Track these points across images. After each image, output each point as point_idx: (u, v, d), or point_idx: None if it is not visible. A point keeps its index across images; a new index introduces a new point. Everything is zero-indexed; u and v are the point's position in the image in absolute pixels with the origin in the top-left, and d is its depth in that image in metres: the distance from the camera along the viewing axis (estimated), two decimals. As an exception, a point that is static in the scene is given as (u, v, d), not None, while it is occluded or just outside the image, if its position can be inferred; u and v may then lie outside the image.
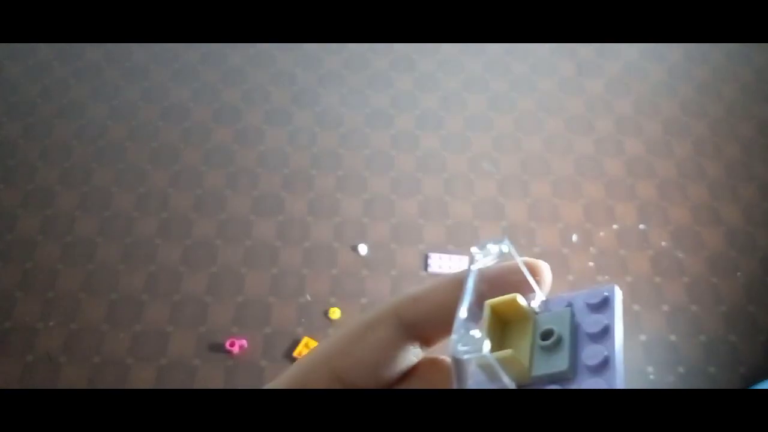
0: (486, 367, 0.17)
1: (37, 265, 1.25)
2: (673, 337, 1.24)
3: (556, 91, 1.63)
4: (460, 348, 0.17)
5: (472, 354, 0.16)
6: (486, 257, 0.20)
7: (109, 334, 1.17)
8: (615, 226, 1.39)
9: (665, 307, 1.28)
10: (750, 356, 1.23)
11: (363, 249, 1.29)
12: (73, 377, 1.12)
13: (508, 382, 0.18)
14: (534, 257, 0.22)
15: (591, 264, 1.33)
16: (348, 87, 1.59)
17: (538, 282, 0.21)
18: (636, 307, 1.27)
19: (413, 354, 0.22)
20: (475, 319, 0.19)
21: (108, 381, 1.12)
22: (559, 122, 1.56)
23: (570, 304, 0.20)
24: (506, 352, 0.18)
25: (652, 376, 1.20)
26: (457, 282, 0.21)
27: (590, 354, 0.18)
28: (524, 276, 0.20)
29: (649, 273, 1.32)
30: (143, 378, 1.13)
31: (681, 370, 1.21)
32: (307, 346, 1.14)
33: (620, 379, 0.17)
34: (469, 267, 0.20)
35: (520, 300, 0.19)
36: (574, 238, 1.36)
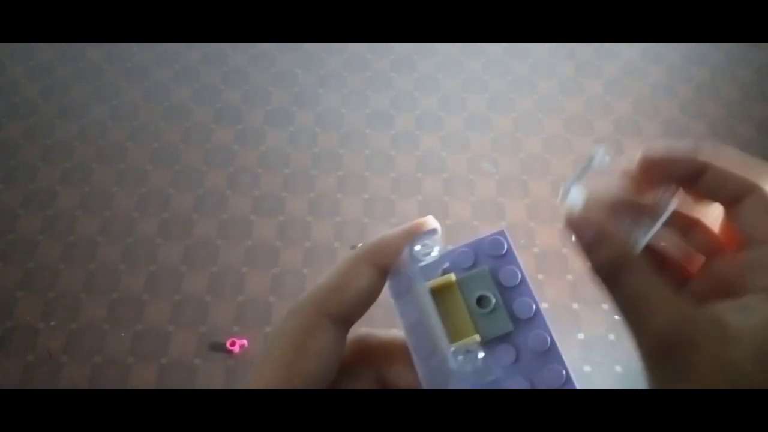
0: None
1: (39, 264, 1.25)
2: (671, 337, 1.25)
3: (555, 91, 1.63)
4: (467, 369, 0.20)
5: (476, 374, 0.20)
6: (429, 252, 0.22)
7: (110, 333, 1.18)
8: (614, 226, 1.39)
9: (664, 307, 1.29)
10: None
11: (363, 249, 1.30)
12: (74, 376, 1.12)
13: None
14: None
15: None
16: (348, 88, 1.59)
17: (435, 235, 0.23)
18: (635, 307, 1.28)
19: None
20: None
21: (109, 380, 1.12)
22: (558, 123, 1.57)
23: (477, 260, 0.22)
24: (472, 340, 0.20)
25: (651, 376, 1.20)
26: (366, 261, 0.22)
27: (521, 308, 0.21)
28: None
29: (648, 273, 1.33)
30: (144, 377, 1.13)
31: (680, 369, 1.21)
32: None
33: (549, 323, 0.21)
34: (413, 266, 0.21)
35: (453, 279, 0.21)
36: (574, 237, 1.37)
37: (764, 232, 0.21)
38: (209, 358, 1.16)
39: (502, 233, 0.22)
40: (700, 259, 0.25)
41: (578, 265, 1.33)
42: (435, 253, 0.22)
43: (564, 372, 0.20)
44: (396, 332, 0.24)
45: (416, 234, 0.23)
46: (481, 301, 0.21)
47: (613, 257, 0.22)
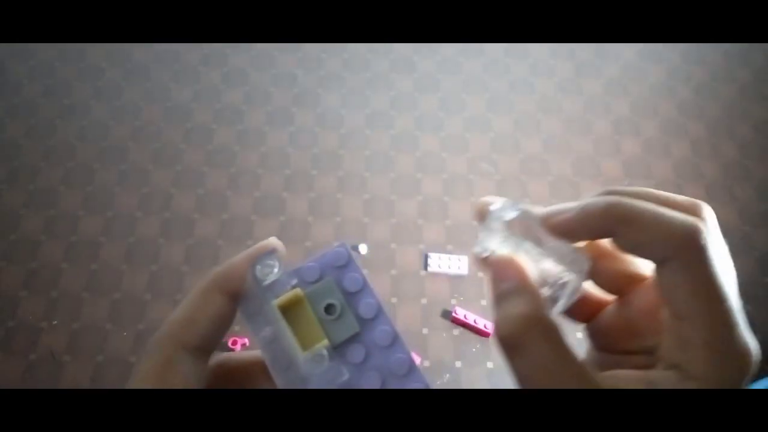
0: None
1: (41, 264, 1.26)
2: (670, 336, 1.25)
3: (554, 92, 1.64)
4: (321, 374, 0.22)
5: (326, 377, 0.22)
6: (271, 271, 0.23)
7: (112, 332, 1.18)
8: (613, 226, 1.40)
9: (662, 306, 1.29)
10: (746, 355, 1.24)
11: (363, 249, 1.31)
12: (76, 376, 1.13)
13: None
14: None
15: (589, 263, 1.34)
16: (348, 88, 1.60)
17: (280, 257, 0.24)
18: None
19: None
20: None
21: (111, 379, 1.13)
22: (557, 123, 1.57)
23: (322, 273, 0.24)
24: (322, 345, 0.22)
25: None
26: (215, 289, 0.23)
27: (365, 309, 0.23)
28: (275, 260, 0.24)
29: (646, 272, 1.34)
30: (146, 376, 1.14)
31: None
32: (308, 345, 1.15)
33: (390, 318, 0.23)
34: (257, 286, 0.23)
35: (300, 293, 0.23)
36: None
37: (681, 307, 0.20)
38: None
39: (342, 245, 0.24)
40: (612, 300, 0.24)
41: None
42: (276, 270, 0.23)
43: (407, 359, 0.22)
44: (254, 353, 0.25)
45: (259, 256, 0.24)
46: (328, 309, 0.23)
47: (525, 317, 0.20)
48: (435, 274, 1.28)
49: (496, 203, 0.23)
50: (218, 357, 0.25)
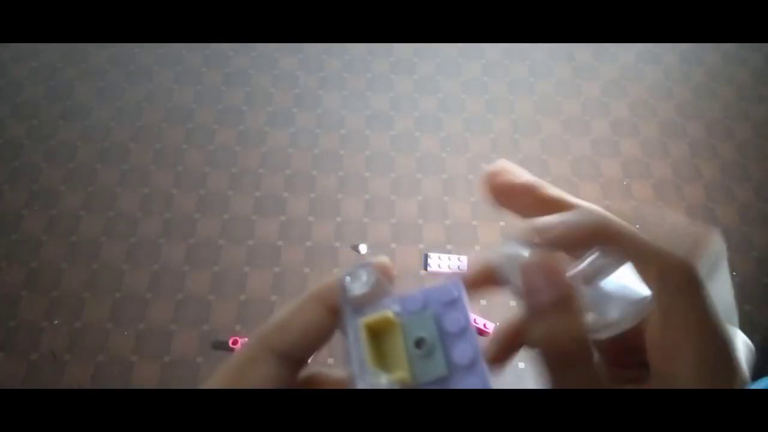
0: None
1: (42, 264, 1.26)
2: (668, 336, 1.26)
3: (553, 93, 1.64)
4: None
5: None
6: (358, 282, 0.21)
7: (113, 332, 1.19)
8: (612, 226, 1.40)
9: (661, 306, 1.29)
10: (744, 354, 1.24)
11: (363, 248, 1.31)
12: (77, 375, 1.13)
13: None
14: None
15: (588, 263, 1.34)
16: (349, 89, 1.60)
17: (390, 280, 0.22)
18: (632, 306, 1.29)
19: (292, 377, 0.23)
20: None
21: (112, 379, 1.13)
22: (556, 124, 1.58)
23: (426, 305, 0.21)
24: (398, 377, 0.20)
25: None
26: (315, 299, 0.22)
27: (460, 354, 0.20)
28: (386, 284, 0.22)
29: (645, 272, 1.34)
30: (147, 376, 1.14)
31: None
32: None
33: (487, 372, 0.20)
34: (344, 296, 0.21)
35: (391, 315, 0.21)
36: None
37: (672, 335, 0.20)
38: (212, 356, 1.17)
39: (455, 282, 0.22)
40: None
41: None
42: (364, 283, 0.21)
43: None
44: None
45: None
46: (419, 343, 0.21)
47: (573, 338, 0.19)
48: (435, 274, 1.28)
49: (502, 245, 0.22)
50: (310, 370, 0.24)
